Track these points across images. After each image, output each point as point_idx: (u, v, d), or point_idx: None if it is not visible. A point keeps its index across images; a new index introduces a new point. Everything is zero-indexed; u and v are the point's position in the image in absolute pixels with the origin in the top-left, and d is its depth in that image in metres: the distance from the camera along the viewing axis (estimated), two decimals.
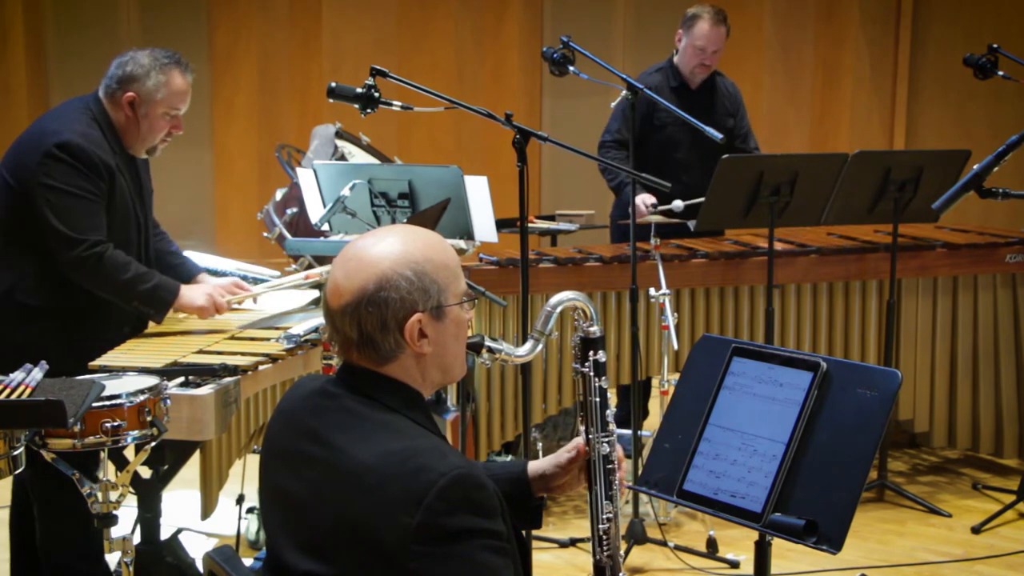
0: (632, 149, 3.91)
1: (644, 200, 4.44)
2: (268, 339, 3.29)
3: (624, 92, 3.80)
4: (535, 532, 3.90)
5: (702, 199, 4.07)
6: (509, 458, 4.29)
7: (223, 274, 4.13)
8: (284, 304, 3.62)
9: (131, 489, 2.94)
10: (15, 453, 2.36)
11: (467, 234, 3.60)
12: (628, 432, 4.13)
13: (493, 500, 1.67)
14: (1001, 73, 4.29)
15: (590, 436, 2.03)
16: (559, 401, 4.23)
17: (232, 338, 3.30)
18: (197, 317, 3.30)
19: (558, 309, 2.06)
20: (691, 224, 4.26)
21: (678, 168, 4.62)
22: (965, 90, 7.36)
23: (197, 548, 3.60)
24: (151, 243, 3.45)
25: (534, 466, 2.07)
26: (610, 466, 2.02)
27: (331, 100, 3.17)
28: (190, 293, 3.25)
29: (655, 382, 4.34)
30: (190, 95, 3.28)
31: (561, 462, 2.06)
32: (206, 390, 2.86)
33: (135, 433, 2.57)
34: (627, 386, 4.33)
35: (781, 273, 4.26)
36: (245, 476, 3.47)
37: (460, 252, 3.81)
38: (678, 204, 4.08)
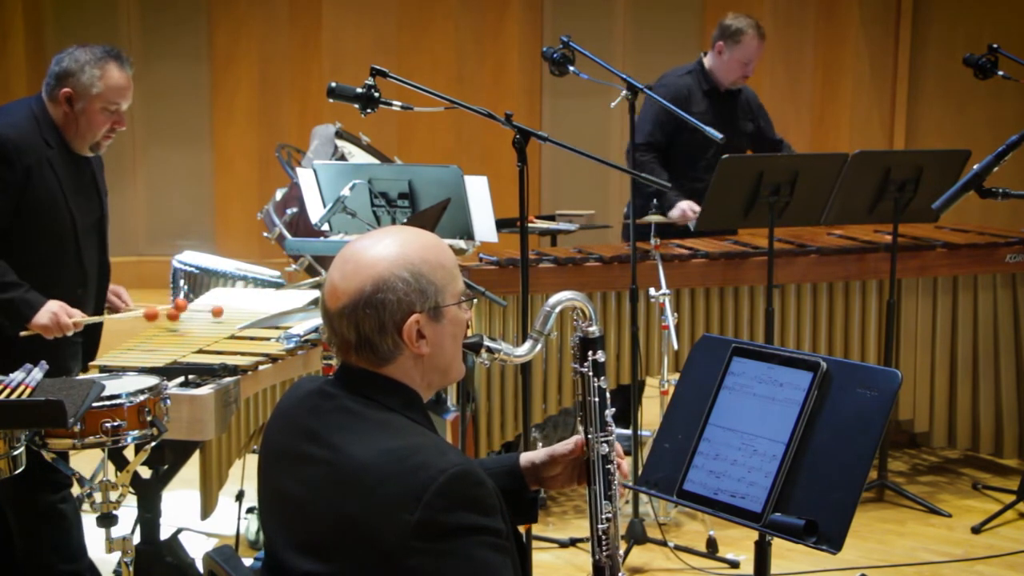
0: (632, 151, 3.91)
1: (690, 206, 4.51)
2: (268, 339, 3.29)
3: (624, 92, 3.81)
4: (535, 532, 3.90)
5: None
6: None
7: (223, 274, 4.14)
8: (284, 304, 3.62)
9: (131, 489, 2.94)
10: (15, 453, 2.36)
11: (467, 234, 3.60)
12: (628, 432, 4.14)
13: (492, 498, 1.67)
14: (1001, 73, 4.28)
15: (589, 436, 2.03)
16: (559, 401, 4.23)
17: (232, 338, 3.30)
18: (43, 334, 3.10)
19: (557, 309, 2.06)
20: (691, 224, 4.26)
21: (707, 169, 4.63)
22: (965, 90, 7.36)
23: (197, 548, 3.59)
24: (105, 244, 3.40)
25: (527, 456, 2.07)
26: (609, 466, 2.02)
27: (331, 100, 3.17)
28: (39, 312, 3.08)
29: (654, 382, 4.34)
30: (131, 90, 3.22)
31: (555, 453, 2.06)
32: (206, 390, 2.86)
33: (135, 433, 2.57)
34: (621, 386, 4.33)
35: (781, 273, 4.25)
36: (245, 476, 3.47)
37: (460, 252, 3.81)
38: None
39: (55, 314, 3.08)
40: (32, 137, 3.12)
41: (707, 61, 4.83)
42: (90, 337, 3.36)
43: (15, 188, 3.09)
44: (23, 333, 3.08)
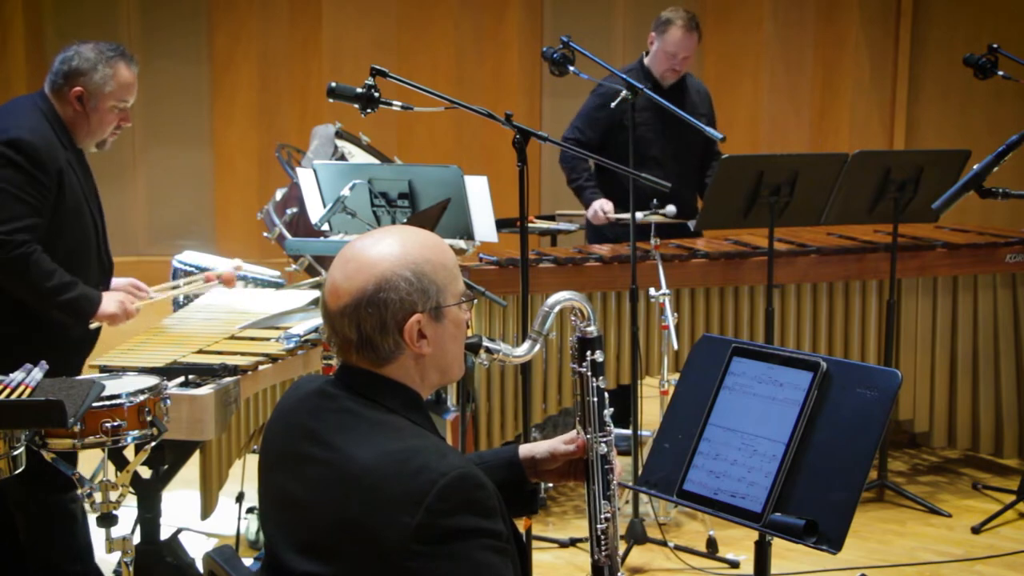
0: (632, 149, 3.89)
1: (602, 206, 4.51)
2: (268, 339, 3.30)
3: (624, 92, 3.81)
4: (535, 532, 3.90)
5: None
6: None
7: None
8: (284, 304, 3.62)
9: (131, 489, 2.94)
10: (15, 453, 2.36)
11: (467, 234, 3.60)
12: (627, 432, 4.13)
13: (493, 500, 1.67)
14: (1001, 73, 4.28)
15: (588, 436, 2.03)
16: (559, 401, 4.23)
17: (232, 338, 3.30)
18: (108, 324, 3.20)
19: (555, 309, 2.06)
20: (691, 224, 4.26)
21: (651, 166, 4.60)
22: (965, 90, 7.36)
23: (197, 548, 3.60)
24: (106, 239, 3.42)
25: (526, 449, 2.07)
26: (608, 466, 2.03)
27: (331, 100, 3.17)
28: (104, 302, 3.16)
29: (654, 382, 4.34)
30: (136, 87, 3.25)
31: (556, 451, 2.06)
32: (206, 390, 2.86)
33: (135, 433, 2.57)
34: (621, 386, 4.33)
35: (781, 273, 4.25)
36: (245, 476, 3.47)
37: (460, 252, 3.81)
38: (671, 209, 4.04)
39: (122, 302, 3.17)
40: (55, 142, 3.14)
41: (647, 59, 4.79)
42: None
43: (51, 191, 3.10)
44: (92, 325, 3.15)
